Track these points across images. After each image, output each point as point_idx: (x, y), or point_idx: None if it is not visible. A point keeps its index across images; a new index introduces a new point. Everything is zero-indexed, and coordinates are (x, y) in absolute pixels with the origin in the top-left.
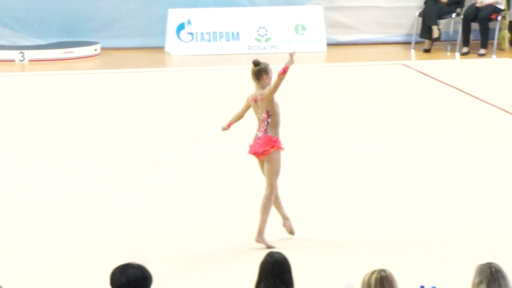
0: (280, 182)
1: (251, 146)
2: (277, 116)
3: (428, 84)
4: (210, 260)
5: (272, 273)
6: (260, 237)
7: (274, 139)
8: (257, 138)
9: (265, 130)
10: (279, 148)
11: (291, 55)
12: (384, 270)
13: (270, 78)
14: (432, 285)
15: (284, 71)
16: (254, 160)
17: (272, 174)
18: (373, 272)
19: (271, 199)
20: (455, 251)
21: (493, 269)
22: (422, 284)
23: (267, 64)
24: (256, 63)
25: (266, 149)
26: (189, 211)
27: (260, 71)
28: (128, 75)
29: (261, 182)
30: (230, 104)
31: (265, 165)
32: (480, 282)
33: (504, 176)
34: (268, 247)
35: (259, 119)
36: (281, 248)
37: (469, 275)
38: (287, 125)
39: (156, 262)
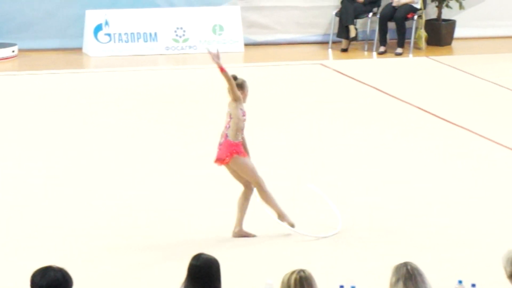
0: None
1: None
2: (239, 121)
3: (346, 83)
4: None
5: (197, 278)
6: (283, 218)
7: (234, 144)
8: (219, 144)
9: (226, 134)
10: (239, 153)
11: (210, 53)
12: (303, 270)
13: (245, 95)
14: (351, 284)
15: (221, 70)
16: None
17: (248, 173)
18: (292, 272)
19: (265, 188)
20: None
21: (409, 267)
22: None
23: (244, 81)
24: (233, 78)
25: (227, 156)
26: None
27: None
28: (46, 76)
29: None
30: (149, 105)
31: (236, 169)
32: (397, 281)
33: (425, 165)
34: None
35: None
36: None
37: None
38: (213, 117)
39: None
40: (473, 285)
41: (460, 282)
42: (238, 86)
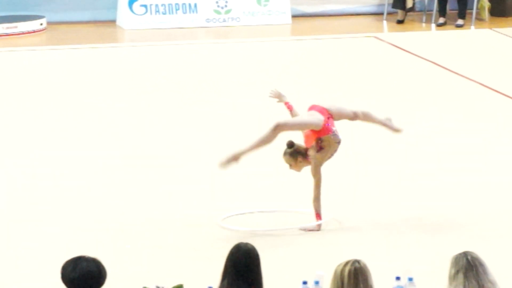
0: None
1: None
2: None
3: (402, 58)
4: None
5: (237, 269)
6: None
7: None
8: None
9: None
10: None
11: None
12: (358, 261)
13: (306, 161)
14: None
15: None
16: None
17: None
18: (346, 263)
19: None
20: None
21: (469, 257)
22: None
23: (302, 146)
24: (290, 145)
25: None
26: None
27: (294, 153)
28: (77, 51)
29: None
30: (187, 83)
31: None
32: (457, 272)
33: (488, 150)
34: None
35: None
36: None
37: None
38: (256, 102)
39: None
40: None
41: None
42: (298, 154)
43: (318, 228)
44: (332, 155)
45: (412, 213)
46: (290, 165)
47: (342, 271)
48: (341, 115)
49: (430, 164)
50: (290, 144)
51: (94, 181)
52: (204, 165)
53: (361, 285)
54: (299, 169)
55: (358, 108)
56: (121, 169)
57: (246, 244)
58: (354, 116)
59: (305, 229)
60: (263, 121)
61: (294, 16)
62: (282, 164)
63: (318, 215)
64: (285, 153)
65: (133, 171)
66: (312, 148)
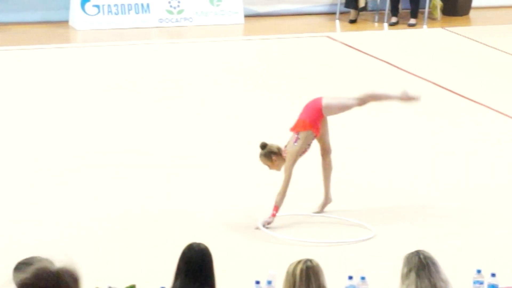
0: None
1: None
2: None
3: (354, 57)
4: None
5: (189, 269)
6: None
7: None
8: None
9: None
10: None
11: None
12: (310, 260)
13: (281, 158)
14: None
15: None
16: None
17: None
18: (298, 263)
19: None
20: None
21: (421, 256)
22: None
23: (274, 145)
24: (262, 146)
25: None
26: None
27: (269, 153)
28: (29, 52)
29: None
30: (140, 82)
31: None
32: (409, 271)
33: (440, 146)
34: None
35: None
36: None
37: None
38: (207, 104)
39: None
40: (493, 274)
41: (478, 271)
42: (271, 153)
43: (271, 220)
44: (306, 150)
45: (365, 211)
46: (269, 166)
47: (294, 270)
48: (343, 108)
49: (377, 157)
50: (263, 146)
51: (50, 178)
52: (167, 162)
53: (313, 284)
54: (278, 168)
55: (361, 92)
56: (82, 168)
57: (199, 244)
58: (361, 103)
59: (258, 228)
60: (216, 118)
61: (246, 16)
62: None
63: (276, 209)
64: (260, 155)
65: (89, 170)
66: (288, 143)
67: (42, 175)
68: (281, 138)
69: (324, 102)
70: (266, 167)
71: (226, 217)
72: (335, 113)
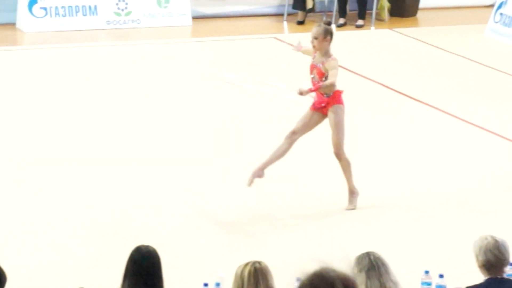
0: None
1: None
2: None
3: (302, 58)
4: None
5: (136, 272)
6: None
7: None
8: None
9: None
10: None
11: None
12: (258, 262)
13: (329, 44)
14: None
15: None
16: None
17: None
18: (246, 264)
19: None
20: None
21: (371, 257)
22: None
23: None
24: (328, 23)
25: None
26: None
27: (327, 31)
28: None
29: None
30: (88, 84)
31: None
32: (359, 271)
33: (388, 147)
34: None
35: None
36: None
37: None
38: (156, 105)
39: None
40: (441, 275)
41: (426, 272)
42: (329, 33)
43: (304, 91)
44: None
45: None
46: (315, 38)
47: (243, 271)
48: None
49: (324, 158)
50: (329, 22)
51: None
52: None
53: (261, 285)
54: (320, 48)
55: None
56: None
57: (147, 246)
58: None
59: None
60: (166, 120)
61: (194, 18)
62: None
63: (317, 88)
64: (320, 25)
65: (34, 176)
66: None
67: None
68: (230, 138)
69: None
70: (310, 38)
71: (178, 219)
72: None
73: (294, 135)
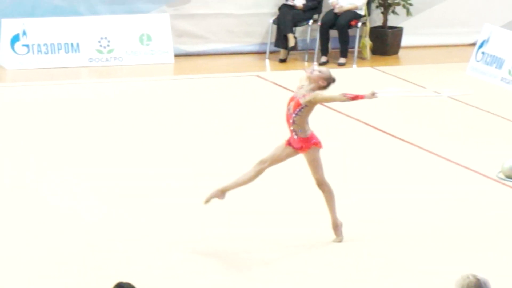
0: None
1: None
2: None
3: (284, 96)
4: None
5: None
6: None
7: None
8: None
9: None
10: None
11: (373, 94)
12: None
13: (323, 88)
14: None
15: (353, 98)
16: None
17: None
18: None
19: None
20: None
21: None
22: None
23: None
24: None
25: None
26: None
27: (331, 78)
28: None
29: None
30: (70, 121)
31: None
32: None
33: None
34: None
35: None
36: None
37: None
38: (135, 142)
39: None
40: None
41: None
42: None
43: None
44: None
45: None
46: (319, 72)
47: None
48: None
49: (309, 196)
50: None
51: None
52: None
53: None
54: (313, 81)
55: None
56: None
57: (129, 283)
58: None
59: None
60: (145, 156)
61: (177, 55)
62: None
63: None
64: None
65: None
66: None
67: None
68: (206, 176)
69: None
70: (313, 71)
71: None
72: None
73: (262, 164)
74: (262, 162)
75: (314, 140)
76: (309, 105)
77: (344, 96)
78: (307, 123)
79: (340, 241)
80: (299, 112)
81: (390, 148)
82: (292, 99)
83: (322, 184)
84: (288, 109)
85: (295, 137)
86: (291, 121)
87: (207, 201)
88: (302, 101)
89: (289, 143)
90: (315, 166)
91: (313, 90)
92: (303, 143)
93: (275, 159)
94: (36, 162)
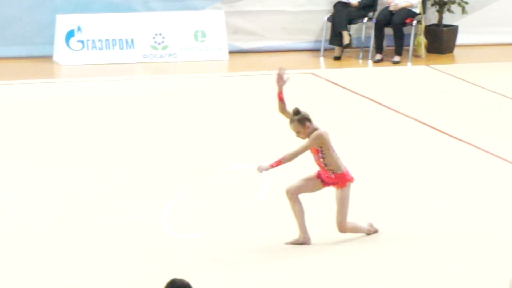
0: None
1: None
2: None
3: (338, 94)
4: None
5: None
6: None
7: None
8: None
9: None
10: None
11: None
12: None
13: (312, 125)
14: None
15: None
16: None
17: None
18: None
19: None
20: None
21: None
22: None
23: (307, 113)
24: (296, 112)
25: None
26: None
27: (303, 120)
28: (12, 87)
29: None
30: (124, 118)
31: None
32: None
33: (424, 185)
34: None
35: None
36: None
37: None
38: (188, 140)
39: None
40: None
41: None
42: (305, 119)
43: (265, 168)
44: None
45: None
46: (298, 132)
47: None
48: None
49: (361, 193)
50: (297, 111)
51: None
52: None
53: None
54: (305, 136)
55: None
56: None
57: (182, 280)
58: None
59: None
60: (199, 154)
61: (231, 52)
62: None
63: (278, 163)
64: (292, 121)
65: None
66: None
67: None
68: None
69: None
70: (294, 133)
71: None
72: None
73: (291, 195)
74: (289, 192)
75: (349, 177)
76: (323, 145)
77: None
78: (338, 158)
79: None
80: (322, 155)
81: (437, 144)
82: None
83: (343, 230)
84: (314, 156)
85: (332, 176)
86: (322, 165)
87: (289, 243)
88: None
89: (319, 176)
90: (345, 204)
91: (307, 135)
92: (340, 179)
93: (302, 190)
94: (89, 157)
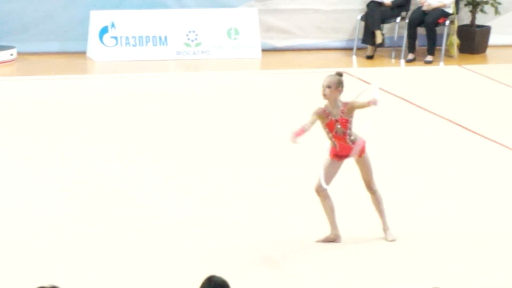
0: None
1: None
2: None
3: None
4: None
5: None
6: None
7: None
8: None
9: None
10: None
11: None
12: None
13: (340, 94)
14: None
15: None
16: None
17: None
18: None
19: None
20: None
21: None
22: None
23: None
24: (340, 74)
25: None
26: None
27: (340, 82)
28: (47, 82)
29: None
30: (157, 114)
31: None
32: None
33: (456, 185)
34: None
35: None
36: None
37: None
38: (221, 137)
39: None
40: None
41: None
42: (342, 84)
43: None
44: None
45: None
46: (328, 88)
47: None
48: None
49: (396, 194)
50: (341, 73)
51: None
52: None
53: None
54: (329, 97)
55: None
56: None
57: (220, 277)
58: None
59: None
60: (231, 151)
61: (264, 50)
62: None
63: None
64: (333, 75)
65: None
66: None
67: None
68: (296, 172)
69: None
70: (323, 88)
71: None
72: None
73: (321, 190)
74: (318, 189)
75: (362, 140)
76: (352, 116)
77: (368, 103)
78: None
79: (394, 240)
80: (350, 126)
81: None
82: (332, 123)
83: (371, 187)
84: (336, 132)
85: (352, 145)
86: (347, 138)
87: (323, 240)
88: (347, 116)
89: (334, 155)
90: (370, 167)
91: (339, 103)
92: (358, 145)
93: (330, 178)
94: (121, 154)
